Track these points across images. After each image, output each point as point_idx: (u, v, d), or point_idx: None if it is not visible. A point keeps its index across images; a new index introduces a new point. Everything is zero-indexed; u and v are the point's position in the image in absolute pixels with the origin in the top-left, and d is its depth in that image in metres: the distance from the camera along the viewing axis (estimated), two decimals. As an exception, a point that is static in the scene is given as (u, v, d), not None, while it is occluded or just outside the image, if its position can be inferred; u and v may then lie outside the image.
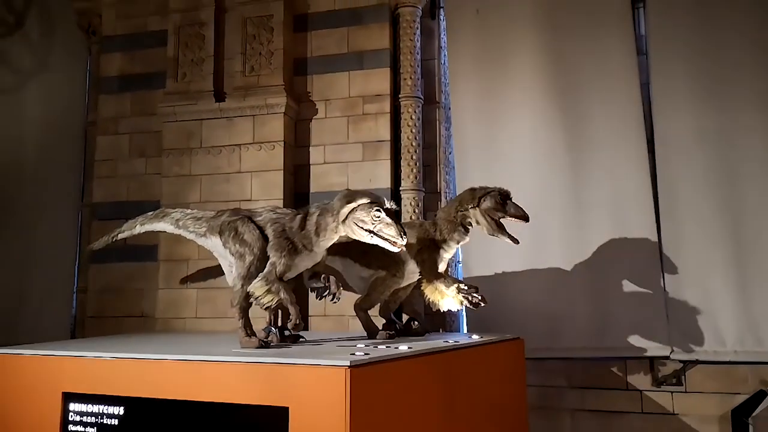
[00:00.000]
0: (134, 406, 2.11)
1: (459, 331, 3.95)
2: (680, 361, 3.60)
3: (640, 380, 3.72)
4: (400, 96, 4.12)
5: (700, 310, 3.58)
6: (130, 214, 3.19)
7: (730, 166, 3.64)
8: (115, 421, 2.14)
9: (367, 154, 4.03)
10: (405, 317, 3.17)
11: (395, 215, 2.35)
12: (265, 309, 2.43)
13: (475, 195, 2.88)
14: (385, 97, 4.08)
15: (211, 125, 4.17)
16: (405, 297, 3.08)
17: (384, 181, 3.97)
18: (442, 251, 2.90)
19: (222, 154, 4.13)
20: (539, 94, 3.97)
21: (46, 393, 2.26)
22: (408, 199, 4.00)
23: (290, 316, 2.36)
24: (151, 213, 2.86)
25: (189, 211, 2.71)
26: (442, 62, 4.36)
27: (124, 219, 3.13)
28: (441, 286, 2.83)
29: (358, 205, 2.32)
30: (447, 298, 2.82)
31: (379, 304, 2.99)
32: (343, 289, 2.67)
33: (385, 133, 4.04)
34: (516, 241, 2.84)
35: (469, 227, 2.90)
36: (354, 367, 1.78)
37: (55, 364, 2.31)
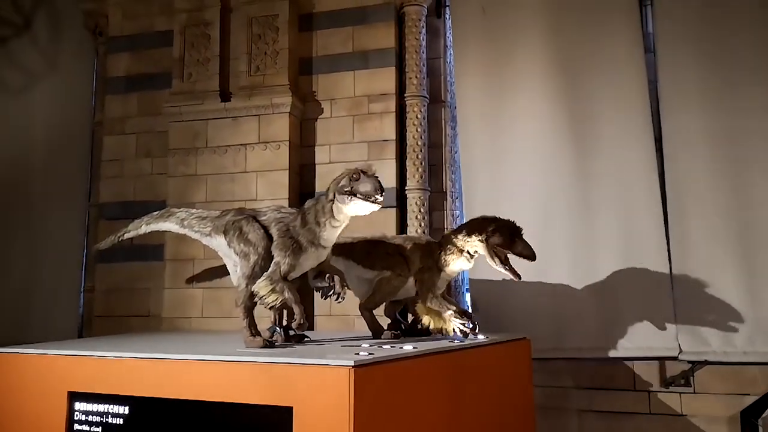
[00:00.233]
0: (139, 405, 2.12)
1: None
2: (689, 362, 3.55)
3: (648, 381, 3.68)
4: (405, 95, 4.11)
5: (708, 309, 3.53)
6: (137, 214, 3.17)
7: (740, 166, 3.60)
8: (121, 421, 2.14)
9: (373, 153, 4.02)
10: (410, 317, 3.16)
11: (377, 179, 2.32)
12: (270, 309, 2.43)
13: (485, 227, 2.80)
14: (390, 96, 4.07)
15: (217, 125, 4.17)
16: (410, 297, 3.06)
17: (389, 181, 3.96)
18: (443, 273, 2.87)
19: (227, 153, 4.14)
20: (546, 93, 3.94)
21: (52, 392, 2.26)
22: (413, 198, 3.99)
23: (295, 316, 2.35)
24: (156, 213, 2.87)
25: (194, 210, 2.71)
26: (448, 61, 4.34)
27: (131, 219, 3.13)
28: (435, 308, 2.79)
29: (342, 178, 2.35)
30: (440, 322, 2.78)
31: (384, 304, 2.98)
32: (348, 288, 2.66)
33: (391, 132, 4.04)
34: (518, 277, 2.76)
35: (475, 255, 2.85)
36: (358, 367, 1.77)
37: (61, 364, 2.32)
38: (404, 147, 4.06)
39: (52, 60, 5.01)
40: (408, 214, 3.98)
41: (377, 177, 2.32)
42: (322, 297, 2.60)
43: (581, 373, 3.77)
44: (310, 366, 1.85)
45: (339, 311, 3.79)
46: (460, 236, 2.84)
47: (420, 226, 3.94)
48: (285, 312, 2.71)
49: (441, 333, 2.78)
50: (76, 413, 2.22)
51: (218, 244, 2.55)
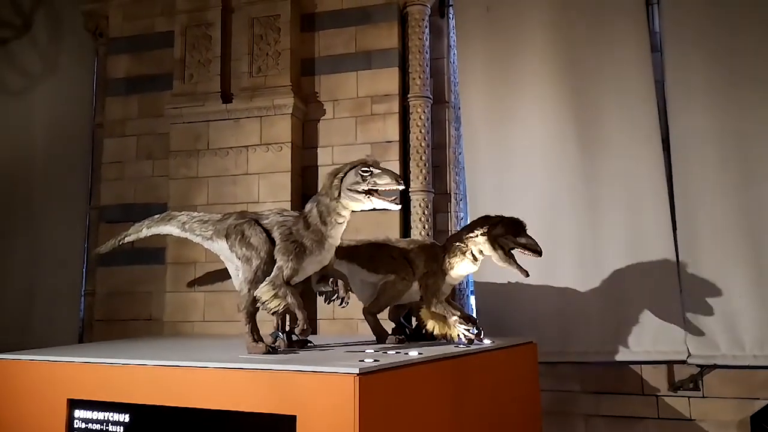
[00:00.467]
0: (139, 413, 2.09)
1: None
2: (697, 366, 3.51)
3: (656, 385, 3.63)
4: (408, 96, 4.07)
5: (717, 312, 3.49)
6: (138, 217, 3.16)
7: (748, 165, 3.56)
8: (121, 429, 2.12)
9: (376, 154, 3.97)
10: (414, 321, 3.11)
11: (389, 170, 2.32)
12: (272, 314, 2.39)
13: (488, 222, 2.77)
14: (393, 97, 4.04)
15: (218, 127, 4.14)
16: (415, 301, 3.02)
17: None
18: (448, 278, 2.83)
19: (229, 155, 4.10)
20: (551, 93, 3.90)
21: (52, 399, 2.24)
22: (417, 200, 3.94)
23: (298, 322, 2.31)
24: (157, 216, 2.84)
25: (195, 214, 2.68)
26: (452, 61, 4.31)
27: (132, 221, 3.11)
28: (440, 314, 2.75)
29: (345, 174, 2.31)
30: (444, 328, 2.74)
31: (388, 308, 2.94)
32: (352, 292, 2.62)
33: (394, 133, 4.00)
34: (526, 274, 2.70)
35: (480, 256, 2.80)
36: (363, 374, 1.73)
37: (61, 370, 2.29)
38: (407, 148, 4.02)
39: (53, 62, 4.99)
40: (412, 216, 3.94)
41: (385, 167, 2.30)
42: (325, 302, 2.56)
43: (588, 377, 3.73)
44: (314, 373, 1.81)
45: (342, 315, 3.74)
46: (463, 236, 2.80)
47: (424, 227, 3.90)
48: (288, 317, 2.67)
49: (445, 338, 2.74)
50: (75, 421, 2.20)
51: (220, 248, 2.52)
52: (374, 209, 2.37)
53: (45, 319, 4.60)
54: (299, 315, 2.30)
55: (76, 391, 2.21)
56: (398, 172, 3.91)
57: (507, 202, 3.72)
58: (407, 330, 3.00)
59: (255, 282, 2.34)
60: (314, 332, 3.82)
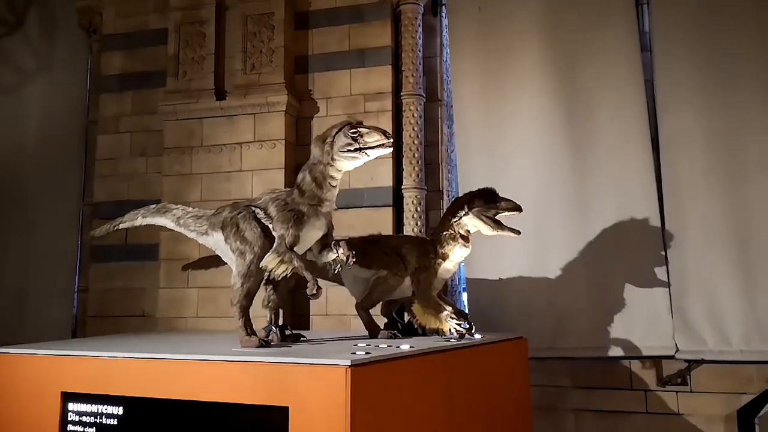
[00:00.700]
0: (133, 405, 2.09)
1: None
2: (685, 361, 3.55)
3: (645, 380, 3.68)
4: (401, 94, 4.10)
5: (705, 309, 3.53)
6: (131, 214, 3.16)
7: (736, 164, 3.60)
8: (114, 421, 2.12)
9: (370, 152, 4.00)
10: (407, 317, 3.14)
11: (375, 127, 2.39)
12: (279, 280, 2.41)
13: (462, 201, 2.87)
14: (386, 95, 4.06)
15: (212, 124, 4.15)
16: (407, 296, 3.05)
17: (386, 180, 3.95)
18: (443, 269, 2.86)
19: (223, 152, 4.11)
20: (542, 92, 3.94)
21: (45, 393, 2.24)
22: (410, 197, 3.97)
23: (307, 284, 2.32)
24: (153, 206, 2.84)
25: (190, 209, 2.69)
26: (444, 59, 4.34)
27: (125, 218, 3.11)
28: (432, 309, 2.77)
29: (333, 138, 2.37)
30: (436, 323, 2.77)
31: (380, 304, 2.97)
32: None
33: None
34: (518, 232, 2.82)
35: (469, 235, 2.85)
36: (355, 366, 1.75)
37: (54, 364, 2.29)
38: (400, 146, 4.05)
39: (46, 58, 4.98)
40: (404, 213, 3.97)
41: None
42: (334, 271, 2.57)
43: (578, 373, 3.77)
44: (306, 365, 1.83)
45: (335, 311, 3.77)
46: (447, 223, 2.85)
47: (417, 225, 3.93)
48: (281, 311, 2.69)
49: (437, 333, 2.77)
50: (69, 414, 2.20)
51: (215, 241, 2.52)
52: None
53: (38, 316, 4.59)
54: (307, 276, 2.31)
55: (70, 384, 2.21)
56: (390, 171, 3.96)
57: (498, 199, 3.77)
58: (399, 325, 3.03)
59: (248, 276, 2.35)
60: (307, 327, 3.84)
